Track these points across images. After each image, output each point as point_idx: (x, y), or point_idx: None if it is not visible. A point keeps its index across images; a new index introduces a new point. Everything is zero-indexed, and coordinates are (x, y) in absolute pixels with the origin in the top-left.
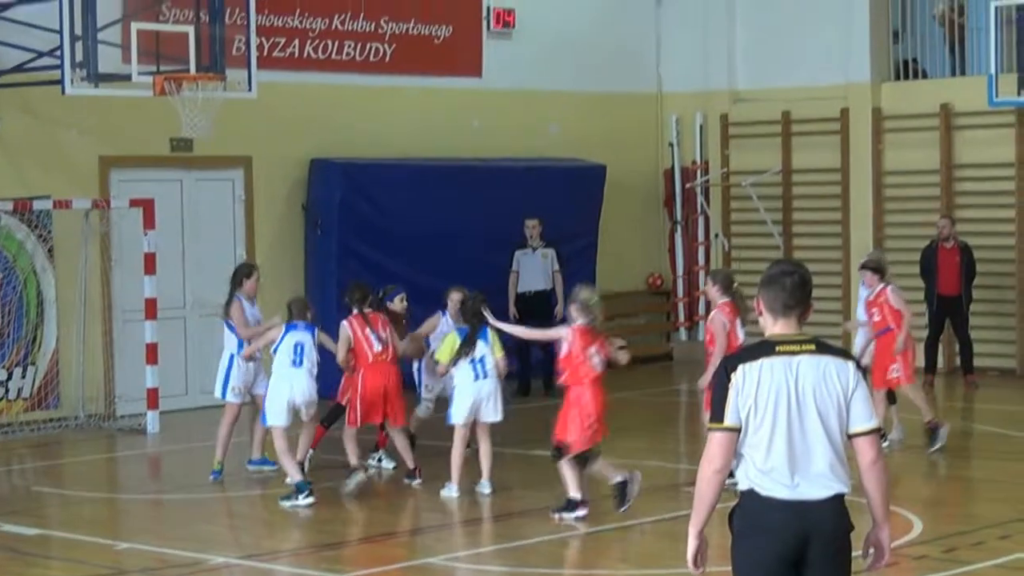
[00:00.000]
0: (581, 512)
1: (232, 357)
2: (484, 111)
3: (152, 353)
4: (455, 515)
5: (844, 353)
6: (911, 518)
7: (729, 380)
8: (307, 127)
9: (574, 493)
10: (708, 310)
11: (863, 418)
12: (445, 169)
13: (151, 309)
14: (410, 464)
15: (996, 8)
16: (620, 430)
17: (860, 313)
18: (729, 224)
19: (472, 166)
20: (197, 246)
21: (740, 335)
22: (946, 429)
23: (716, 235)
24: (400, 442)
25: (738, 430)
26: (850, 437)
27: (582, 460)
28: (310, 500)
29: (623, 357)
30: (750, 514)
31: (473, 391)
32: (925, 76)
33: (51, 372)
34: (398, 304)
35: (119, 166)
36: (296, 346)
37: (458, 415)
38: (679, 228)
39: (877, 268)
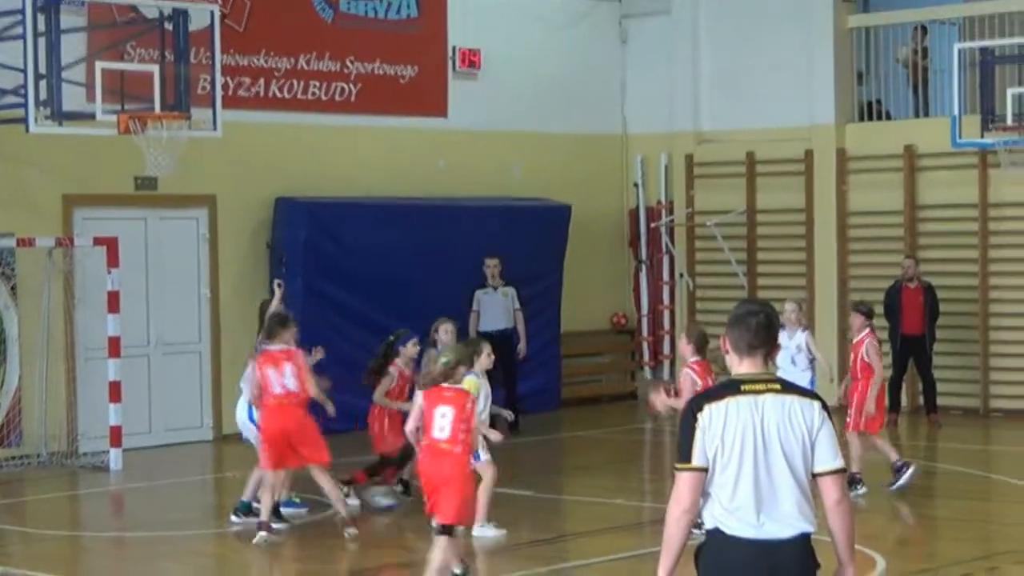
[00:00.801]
0: None
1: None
2: (450, 151)
3: (115, 391)
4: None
5: (809, 393)
6: (874, 556)
7: (696, 420)
8: (272, 166)
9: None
10: (673, 350)
11: (828, 458)
12: (410, 209)
13: (114, 347)
14: (341, 511)
15: (959, 50)
16: (584, 468)
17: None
18: (694, 264)
19: (437, 206)
20: (161, 284)
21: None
22: (913, 471)
23: (681, 275)
24: (325, 484)
25: (705, 470)
26: (815, 476)
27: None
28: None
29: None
30: (716, 553)
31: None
32: (889, 117)
33: (13, 410)
34: (411, 349)
35: (83, 204)
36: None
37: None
38: (644, 267)
39: (869, 313)
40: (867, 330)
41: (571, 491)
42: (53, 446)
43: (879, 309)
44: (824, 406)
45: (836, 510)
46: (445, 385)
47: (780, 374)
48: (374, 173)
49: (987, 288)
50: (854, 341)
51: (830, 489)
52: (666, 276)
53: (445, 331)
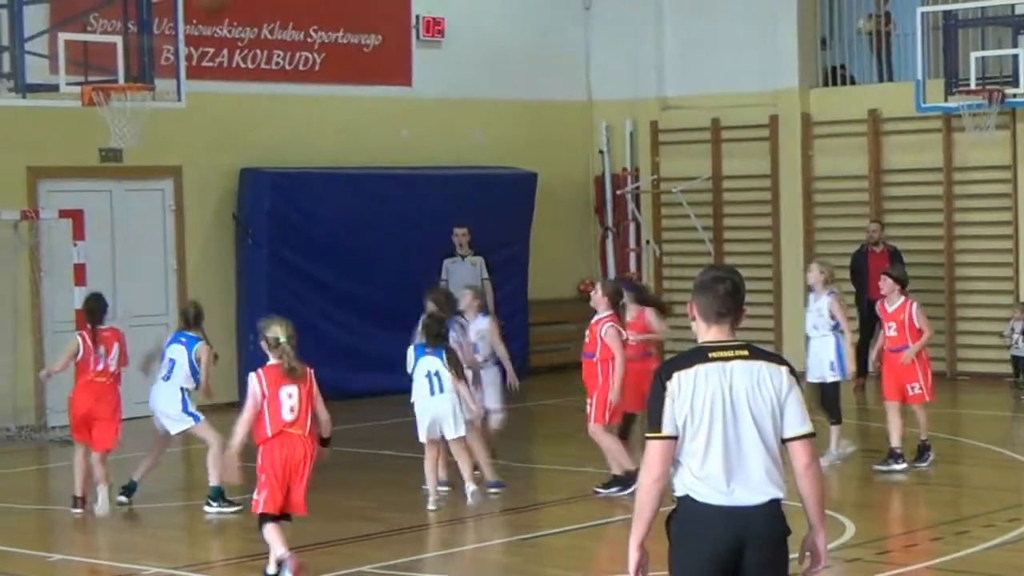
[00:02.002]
0: None
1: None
2: (414, 120)
3: None
4: (388, 524)
5: (777, 358)
6: (843, 521)
7: (664, 389)
8: (237, 137)
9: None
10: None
11: (797, 423)
12: (375, 178)
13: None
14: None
15: (922, 14)
16: (553, 436)
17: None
18: (660, 231)
19: (402, 175)
20: (127, 256)
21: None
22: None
23: (647, 242)
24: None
25: (675, 438)
26: (784, 441)
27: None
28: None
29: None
30: (686, 520)
31: (431, 407)
32: (853, 82)
33: None
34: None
35: (48, 177)
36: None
37: (421, 431)
38: (610, 235)
39: (899, 279)
40: (903, 299)
41: (540, 460)
42: (22, 420)
43: (845, 274)
44: (792, 371)
45: (806, 474)
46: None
47: (808, 338)
48: (339, 142)
49: (952, 252)
50: (888, 310)
51: (800, 454)
52: (632, 243)
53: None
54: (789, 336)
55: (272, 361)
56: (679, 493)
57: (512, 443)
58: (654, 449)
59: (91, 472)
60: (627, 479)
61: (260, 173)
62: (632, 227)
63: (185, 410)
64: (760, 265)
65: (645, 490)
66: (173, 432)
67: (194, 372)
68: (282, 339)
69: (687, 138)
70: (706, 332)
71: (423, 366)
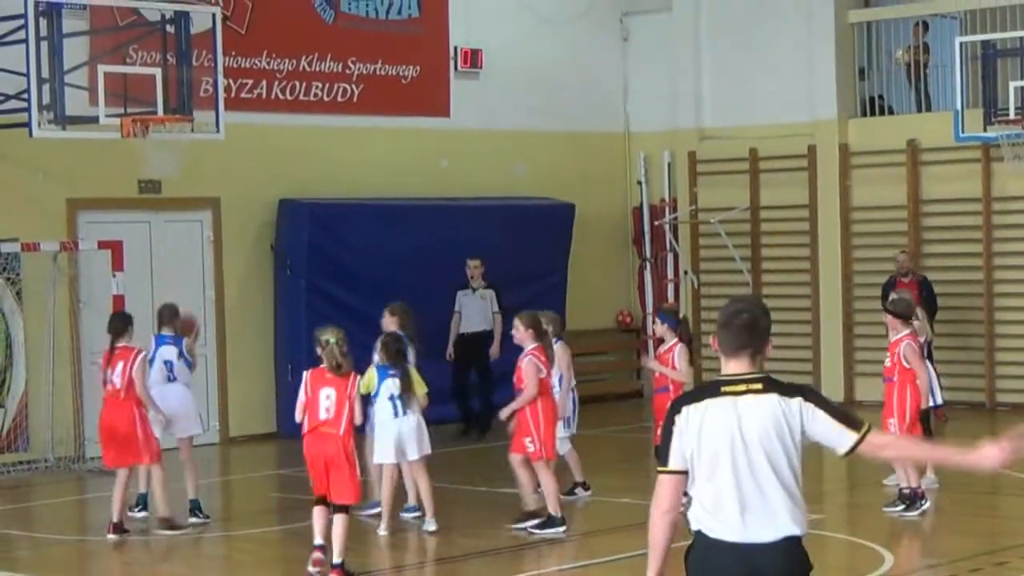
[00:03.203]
0: None
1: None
2: (452, 151)
3: None
4: (424, 555)
5: (792, 389)
6: (881, 552)
7: (674, 423)
8: (275, 168)
9: None
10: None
11: (841, 438)
12: (414, 209)
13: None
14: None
15: (961, 44)
16: (591, 467)
17: None
18: (698, 261)
19: (441, 206)
20: (166, 288)
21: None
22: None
23: (685, 272)
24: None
25: (684, 472)
26: (847, 455)
27: None
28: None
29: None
30: (700, 556)
31: (394, 428)
32: (891, 112)
33: (20, 415)
34: None
35: (87, 208)
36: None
37: (381, 454)
38: (648, 265)
39: (896, 312)
40: (904, 332)
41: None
42: (60, 451)
43: (876, 304)
44: (808, 397)
45: (894, 446)
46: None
47: None
48: (377, 174)
49: (991, 282)
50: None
51: (873, 448)
52: (670, 274)
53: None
54: (828, 366)
55: (323, 364)
56: (694, 527)
57: None
58: (663, 483)
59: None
60: (548, 519)
61: (299, 204)
62: (670, 257)
63: (197, 412)
64: (799, 296)
65: (655, 524)
66: (188, 434)
67: (188, 364)
68: (331, 340)
69: (725, 168)
70: (726, 365)
71: (386, 388)
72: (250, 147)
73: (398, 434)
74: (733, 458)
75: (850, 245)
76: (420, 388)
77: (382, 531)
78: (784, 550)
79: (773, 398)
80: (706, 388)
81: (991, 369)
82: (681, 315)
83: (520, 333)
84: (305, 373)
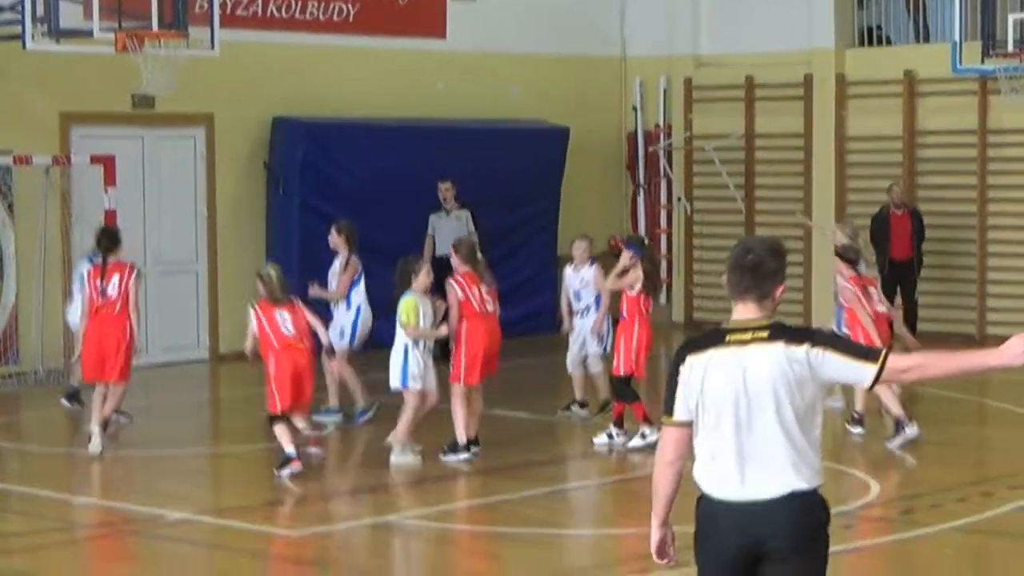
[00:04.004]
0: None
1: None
2: (448, 73)
3: None
4: (415, 474)
5: (801, 334)
6: (868, 481)
7: (678, 373)
8: (270, 86)
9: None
10: (671, 274)
11: (862, 370)
12: (408, 130)
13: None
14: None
15: None
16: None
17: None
18: (692, 188)
19: (435, 127)
20: (158, 203)
21: (475, 305)
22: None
23: (678, 199)
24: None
25: (689, 424)
26: (872, 387)
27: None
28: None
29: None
30: (703, 514)
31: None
32: (889, 43)
33: (10, 327)
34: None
35: (80, 122)
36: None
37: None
38: (641, 191)
39: (841, 255)
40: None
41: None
42: (50, 364)
43: (866, 235)
44: (815, 341)
45: (915, 375)
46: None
47: None
48: (372, 94)
49: (985, 215)
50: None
51: (895, 374)
52: (664, 200)
53: (578, 247)
54: (819, 294)
55: (262, 295)
56: (698, 486)
57: (539, 397)
58: (667, 435)
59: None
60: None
61: (293, 122)
62: (664, 184)
63: None
64: (790, 224)
65: (659, 473)
66: None
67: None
68: (273, 273)
69: (721, 96)
70: (734, 310)
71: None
72: (245, 64)
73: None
74: (735, 412)
75: (844, 175)
76: (410, 309)
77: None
78: (788, 506)
79: (779, 347)
80: (711, 336)
81: (982, 302)
82: (645, 242)
83: (454, 257)
84: (252, 308)
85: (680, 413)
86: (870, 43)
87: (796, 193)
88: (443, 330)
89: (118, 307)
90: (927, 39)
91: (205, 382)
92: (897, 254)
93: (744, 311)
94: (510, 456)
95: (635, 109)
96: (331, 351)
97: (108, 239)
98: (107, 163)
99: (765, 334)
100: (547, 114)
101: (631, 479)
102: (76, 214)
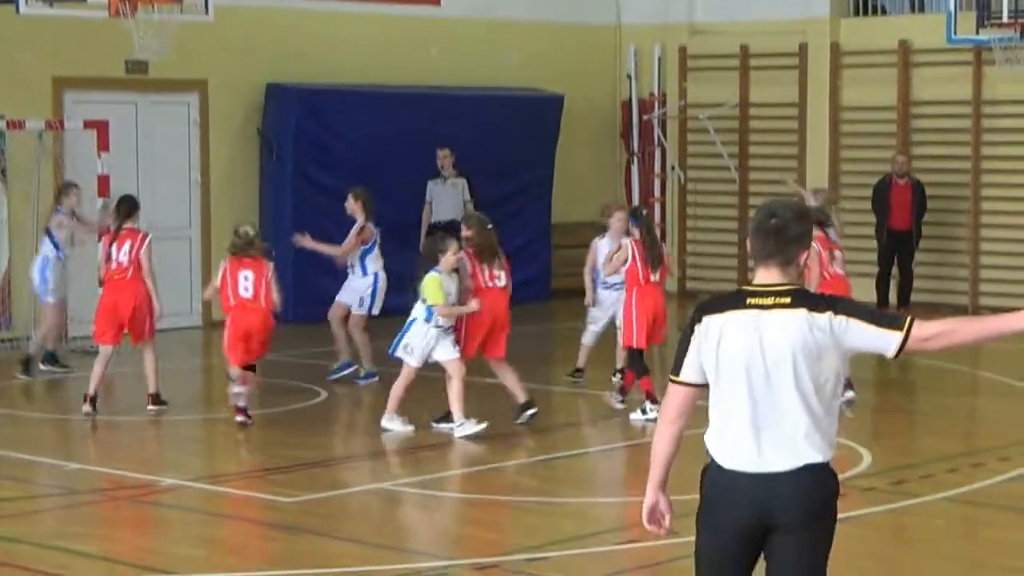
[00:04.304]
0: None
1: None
2: (442, 39)
3: None
4: (406, 442)
5: (824, 301)
6: (859, 451)
7: (693, 331)
8: (263, 52)
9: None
10: (664, 241)
11: (886, 338)
12: (402, 97)
13: (102, 231)
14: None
15: None
16: (573, 360)
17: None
18: (685, 157)
19: (429, 94)
20: (151, 169)
21: (482, 280)
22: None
23: (672, 167)
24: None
25: (696, 386)
26: (897, 356)
27: None
28: None
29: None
30: (711, 483)
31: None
32: (884, 12)
33: (3, 292)
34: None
35: (73, 87)
36: None
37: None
38: (635, 160)
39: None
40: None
41: (559, 382)
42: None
43: (868, 205)
44: (838, 309)
45: (941, 342)
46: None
47: None
48: (366, 60)
49: (979, 186)
50: None
51: (920, 342)
52: (658, 168)
53: (617, 218)
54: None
55: (236, 250)
56: (709, 453)
57: (532, 365)
58: (672, 393)
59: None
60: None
61: (286, 88)
62: (657, 152)
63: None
64: (785, 194)
65: (659, 433)
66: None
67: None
68: (251, 232)
69: (715, 64)
70: (756, 274)
71: None
72: (239, 30)
73: (428, 335)
74: (750, 377)
75: (838, 145)
76: (436, 288)
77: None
78: (802, 479)
79: (801, 314)
80: (731, 297)
81: (975, 273)
82: (643, 212)
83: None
84: (223, 262)
85: (689, 373)
86: (865, 13)
87: (790, 163)
88: (473, 304)
89: (130, 273)
90: (922, 9)
91: (198, 348)
92: (897, 224)
93: (766, 275)
94: (504, 425)
95: (629, 77)
96: (276, 316)
97: (128, 206)
98: (100, 128)
99: (787, 299)
100: (541, 82)
101: (630, 447)
102: (69, 179)
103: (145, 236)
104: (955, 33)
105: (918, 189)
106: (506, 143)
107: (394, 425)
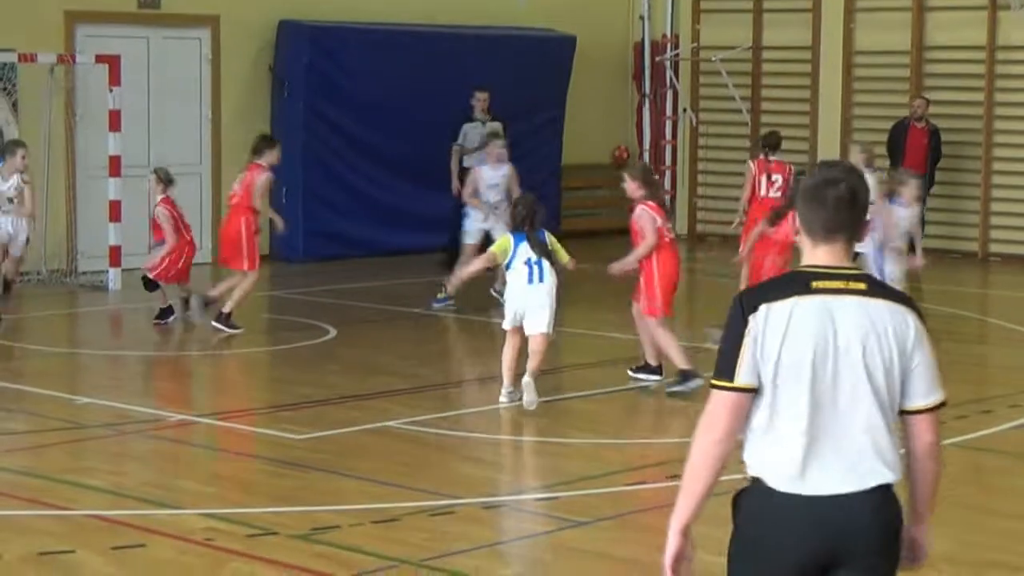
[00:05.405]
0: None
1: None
2: None
3: (115, 211)
4: (415, 381)
5: (904, 298)
6: None
7: (746, 324)
8: None
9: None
10: (675, 186)
11: (924, 389)
12: (415, 35)
13: (115, 166)
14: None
15: None
16: (581, 301)
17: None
18: (698, 99)
19: (442, 33)
20: (162, 105)
21: (666, 234)
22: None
23: (684, 110)
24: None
25: (754, 390)
26: (903, 414)
27: None
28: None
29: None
30: (758, 513)
31: (522, 296)
32: None
33: None
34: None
35: (85, 21)
36: None
37: (506, 319)
38: (647, 102)
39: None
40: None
41: (568, 323)
42: (53, 264)
43: (881, 150)
44: (920, 316)
45: (929, 454)
46: None
47: None
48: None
49: (991, 132)
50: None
51: (923, 430)
52: (669, 111)
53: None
54: None
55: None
56: (752, 472)
57: None
58: (721, 403)
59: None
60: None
61: (299, 26)
62: (669, 95)
63: None
64: (797, 138)
65: (702, 453)
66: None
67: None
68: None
69: (728, 7)
70: (812, 253)
71: (521, 253)
72: None
73: (523, 301)
74: (816, 380)
75: (851, 89)
76: (562, 255)
77: (501, 399)
78: (876, 503)
79: (881, 304)
80: (790, 281)
81: (985, 219)
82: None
83: (631, 186)
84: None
85: (745, 376)
86: None
87: (803, 106)
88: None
89: (234, 201)
90: None
91: (208, 284)
92: (910, 167)
93: (828, 255)
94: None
95: (642, 19)
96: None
97: (259, 141)
98: (112, 63)
99: (862, 285)
100: (554, 22)
101: (633, 389)
102: (80, 113)
103: (262, 171)
104: None
105: (935, 135)
106: (518, 84)
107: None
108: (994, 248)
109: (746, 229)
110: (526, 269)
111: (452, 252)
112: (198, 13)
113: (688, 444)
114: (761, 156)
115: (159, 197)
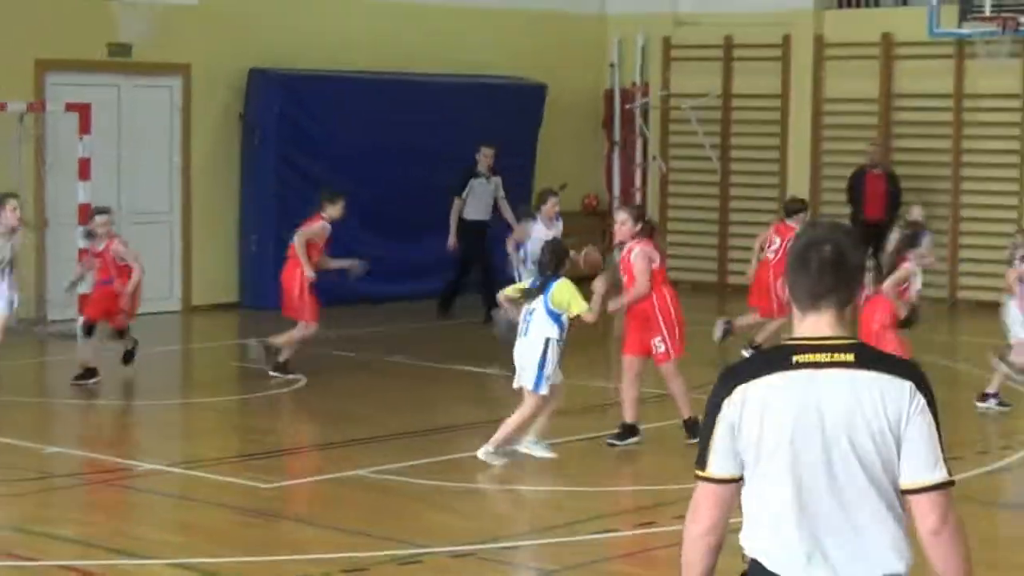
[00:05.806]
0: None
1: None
2: (426, 26)
3: (84, 259)
4: (385, 429)
5: (900, 366)
6: None
7: (719, 410)
8: (247, 37)
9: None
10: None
11: (920, 467)
12: (385, 83)
13: (84, 214)
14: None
15: None
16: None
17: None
18: (667, 147)
19: (411, 81)
20: (133, 153)
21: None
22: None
23: (654, 157)
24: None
25: (731, 481)
26: (904, 493)
27: None
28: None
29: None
30: None
31: (516, 348)
32: (867, 4)
33: None
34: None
35: (55, 69)
36: None
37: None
38: (617, 149)
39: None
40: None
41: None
42: (21, 312)
43: (843, 196)
44: (920, 386)
45: (936, 541)
46: None
47: None
48: (348, 47)
49: (959, 179)
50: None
51: (924, 512)
52: (639, 159)
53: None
54: None
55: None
56: (750, 555)
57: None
58: (702, 494)
59: None
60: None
61: (269, 74)
62: (639, 142)
63: None
64: (766, 185)
65: (690, 543)
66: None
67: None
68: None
69: (699, 55)
70: (800, 323)
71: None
72: (222, 15)
73: (516, 357)
74: (800, 461)
75: (820, 137)
76: (575, 306)
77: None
78: None
79: (870, 376)
80: (771, 356)
81: (954, 266)
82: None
83: (627, 224)
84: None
85: (721, 464)
86: (848, 5)
87: (772, 154)
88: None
89: (290, 252)
90: (905, 2)
91: (177, 333)
92: (870, 214)
93: (816, 324)
94: (479, 413)
95: (612, 66)
96: None
97: (323, 192)
98: (82, 111)
99: (850, 356)
100: (524, 70)
101: (600, 437)
102: (50, 162)
103: (316, 221)
104: (937, 26)
105: (892, 181)
106: (488, 131)
107: (496, 460)
108: (963, 295)
109: (753, 287)
110: (524, 322)
111: (447, 299)
112: (169, 61)
113: (654, 491)
114: (779, 220)
115: (112, 236)
